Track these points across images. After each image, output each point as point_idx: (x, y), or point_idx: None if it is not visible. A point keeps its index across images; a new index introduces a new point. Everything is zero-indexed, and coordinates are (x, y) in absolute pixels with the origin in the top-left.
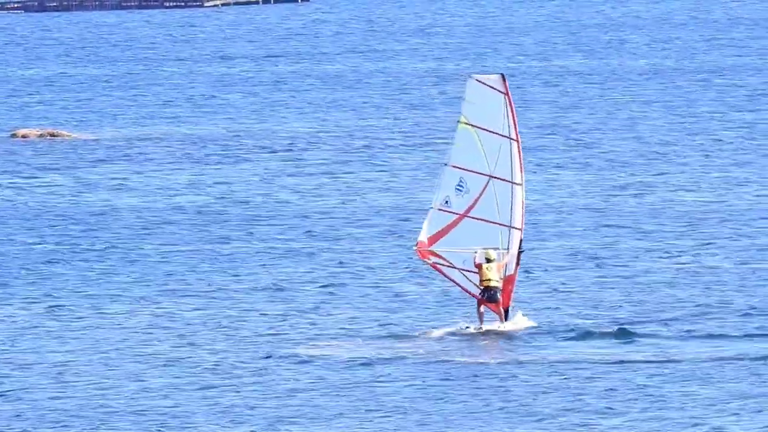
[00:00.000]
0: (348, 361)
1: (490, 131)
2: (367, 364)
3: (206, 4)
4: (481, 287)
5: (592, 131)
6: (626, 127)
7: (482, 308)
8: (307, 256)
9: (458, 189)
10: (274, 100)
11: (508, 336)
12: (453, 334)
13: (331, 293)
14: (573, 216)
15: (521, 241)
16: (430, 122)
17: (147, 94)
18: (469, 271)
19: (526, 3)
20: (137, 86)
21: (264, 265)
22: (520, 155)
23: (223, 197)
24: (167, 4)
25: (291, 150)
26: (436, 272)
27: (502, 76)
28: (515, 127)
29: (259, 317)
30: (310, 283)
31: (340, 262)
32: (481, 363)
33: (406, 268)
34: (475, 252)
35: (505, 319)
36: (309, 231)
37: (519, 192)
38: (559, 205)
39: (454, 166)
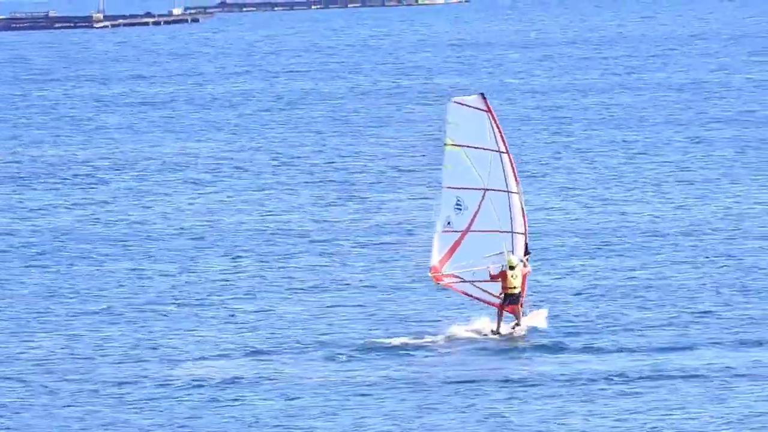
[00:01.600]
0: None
1: (478, 148)
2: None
3: (96, 26)
4: (504, 293)
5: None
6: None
7: (501, 311)
8: (170, 275)
9: (457, 208)
10: (149, 120)
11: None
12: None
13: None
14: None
15: (527, 245)
16: (307, 141)
17: (23, 116)
18: (483, 281)
19: (413, 24)
20: (17, 107)
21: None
22: (512, 165)
23: (94, 217)
24: (57, 25)
25: (162, 169)
26: (454, 291)
27: (482, 95)
28: (503, 140)
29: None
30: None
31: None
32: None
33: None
34: (488, 267)
35: (520, 322)
36: (168, 250)
37: (516, 199)
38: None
39: (449, 188)
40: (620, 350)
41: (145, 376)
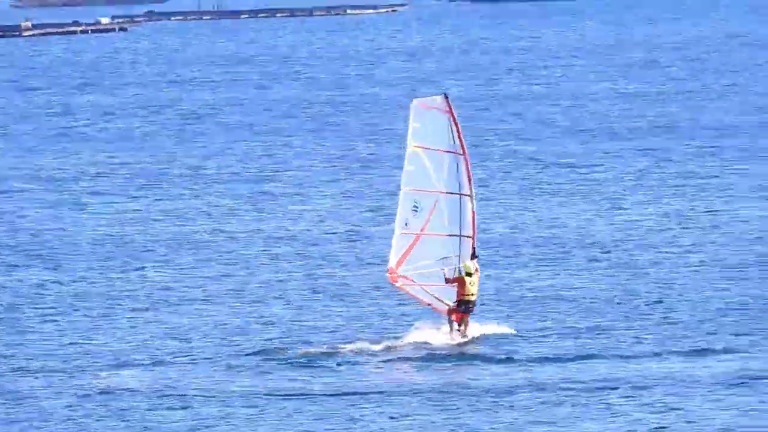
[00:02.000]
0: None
1: (436, 150)
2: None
3: (24, 33)
4: (460, 299)
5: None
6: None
7: (453, 316)
8: (76, 284)
9: (414, 210)
10: (65, 128)
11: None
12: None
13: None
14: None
15: (474, 248)
16: (214, 152)
17: None
18: (434, 285)
19: (318, 34)
20: None
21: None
22: (468, 168)
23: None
24: None
25: (78, 180)
26: (406, 294)
27: (445, 96)
28: (461, 143)
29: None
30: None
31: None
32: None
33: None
34: (442, 269)
35: (464, 330)
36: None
37: (468, 203)
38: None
39: (409, 189)
40: (542, 359)
41: (49, 386)
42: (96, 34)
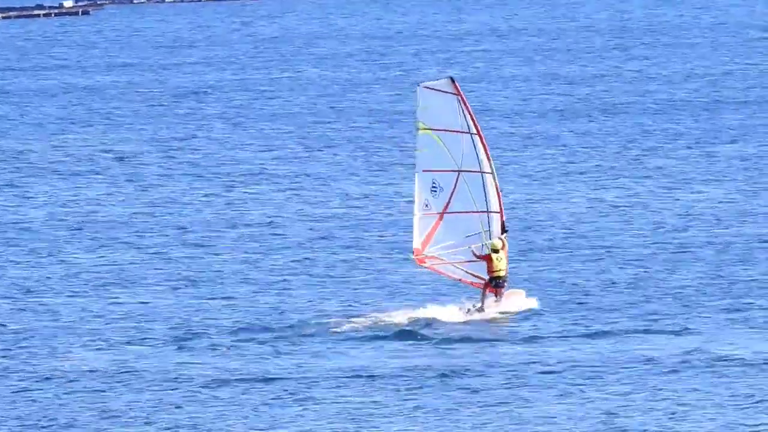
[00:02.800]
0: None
1: (450, 131)
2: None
3: None
4: (491, 275)
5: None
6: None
7: (487, 290)
8: (41, 267)
9: (433, 190)
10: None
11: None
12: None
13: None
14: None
15: (503, 222)
16: (175, 135)
17: None
18: (465, 261)
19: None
20: None
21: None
22: (484, 146)
23: None
24: None
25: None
26: (436, 273)
27: (451, 78)
28: (474, 122)
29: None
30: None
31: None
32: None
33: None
34: (470, 247)
35: (498, 300)
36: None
37: (490, 179)
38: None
39: (424, 171)
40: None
41: (15, 370)
42: (58, 18)
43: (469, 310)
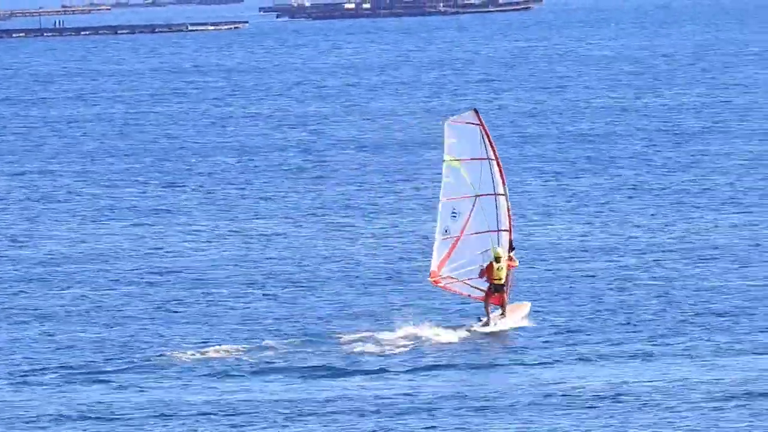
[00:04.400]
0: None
1: (471, 159)
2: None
3: None
4: (490, 284)
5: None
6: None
7: (489, 300)
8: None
9: (453, 216)
10: None
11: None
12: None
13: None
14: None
15: (511, 241)
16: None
17: None
18: (473, 278)
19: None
20: None
21: None
22: (500, 170)
23: None
24: None
25: None
26: (448, 291)
27: (475, 110)
28: (493, 149)
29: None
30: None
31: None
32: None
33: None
34: (480, 265)
35: (505, 312)
36: None
37: (503, 200)
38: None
39: (447, 199)
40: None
41: None
42: None
43: (474, 324)
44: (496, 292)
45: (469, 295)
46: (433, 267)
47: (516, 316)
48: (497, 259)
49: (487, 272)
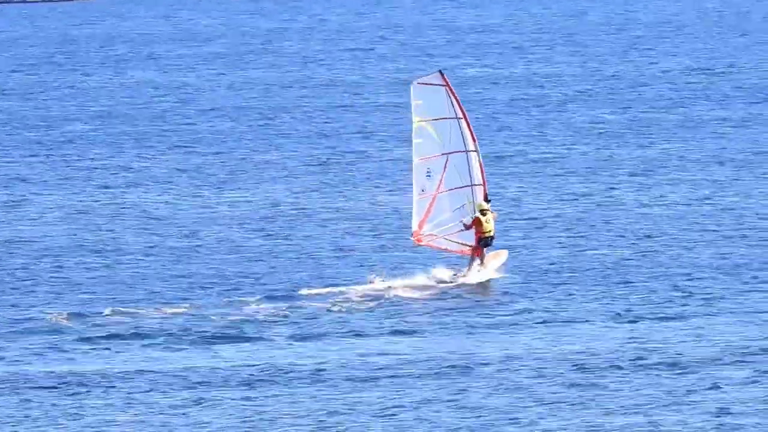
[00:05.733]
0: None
1: (439, 119)
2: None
3: None
4: (479, 237)
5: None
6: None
7: (475, 254)
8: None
9: (428, 176)
10: None
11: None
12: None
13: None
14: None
15: (486, 193)
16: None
17: None
18: (455, 232)
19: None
20: None
21: None
22: (469, 127)
23: None
24: None
25: None
26: (432, 248)
27: (440, 72)
28: (460, 108)
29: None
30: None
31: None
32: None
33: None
34: (460, 221)
35: (484, 262)
36: None
37: (474, 156)
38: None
39: (420, 159)
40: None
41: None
42: None
43: (453, 276)
44: (485, 245)
45: (455, 251)
46: (414, 226)
47: (494, 264)
48: (482, 213)
49: (476, 226)
